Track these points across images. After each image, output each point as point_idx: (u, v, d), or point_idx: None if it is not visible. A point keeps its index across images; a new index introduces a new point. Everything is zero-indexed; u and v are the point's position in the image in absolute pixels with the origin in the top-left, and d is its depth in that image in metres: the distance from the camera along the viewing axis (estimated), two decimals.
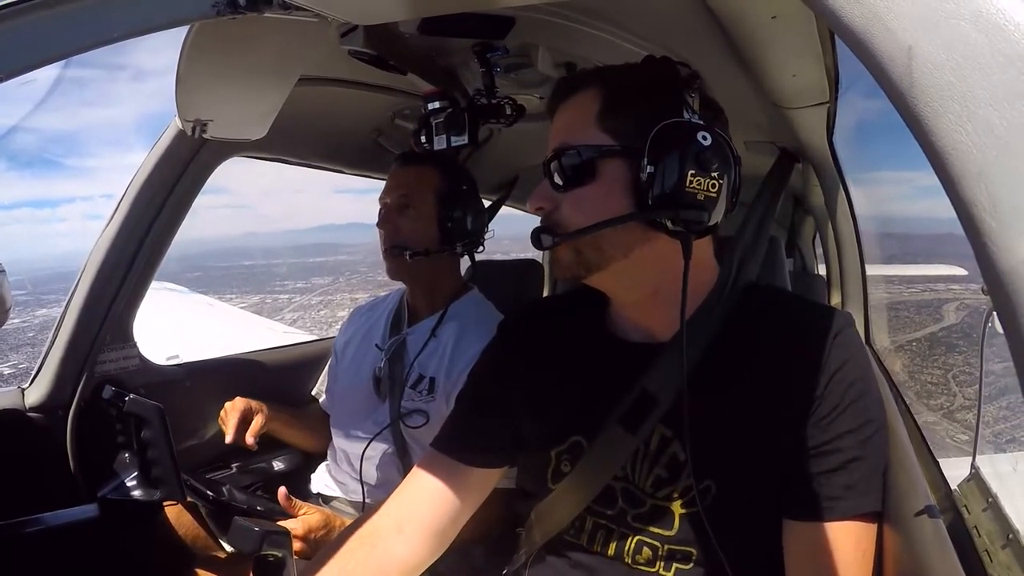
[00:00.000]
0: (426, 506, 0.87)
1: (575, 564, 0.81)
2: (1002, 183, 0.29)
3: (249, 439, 1.30)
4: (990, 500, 1.38)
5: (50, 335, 1.28)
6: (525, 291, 1.98)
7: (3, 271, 0.87)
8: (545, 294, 2.32)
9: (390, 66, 1.10)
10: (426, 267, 1.33)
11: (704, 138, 0.70)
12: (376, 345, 1.41)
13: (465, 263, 1.43)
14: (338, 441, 1.41)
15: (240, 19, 0.67)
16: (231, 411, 1.33)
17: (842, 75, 1.15)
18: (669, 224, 0.72)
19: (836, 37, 0.75)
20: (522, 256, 2.20)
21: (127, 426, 1.24)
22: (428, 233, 1.32)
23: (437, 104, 1.18)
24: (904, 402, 1.44)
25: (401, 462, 1.32)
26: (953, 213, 0.31)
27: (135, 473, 1.24)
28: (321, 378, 1.59)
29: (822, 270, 2.82)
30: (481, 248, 1.40)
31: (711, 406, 0.74)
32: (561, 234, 0.75)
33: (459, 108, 1.19)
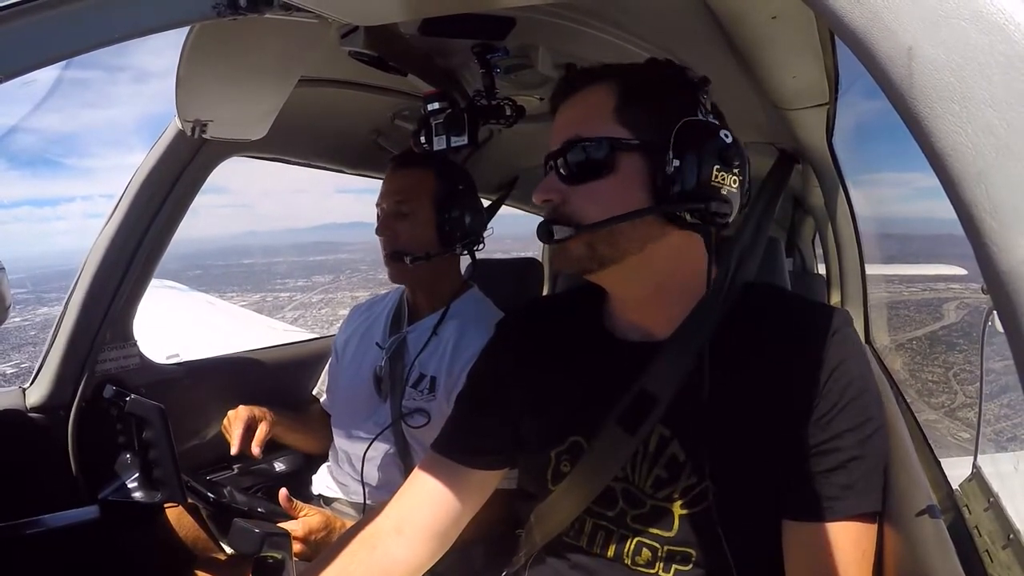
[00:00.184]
0: (426, 508, 0.87)
1: (574, 565, 0.81)
2: (1002, 184, 0.29)
3: (255, 449, 1.28)
4: (991, 500, 1.38)
5: (50, 334, 1.28)
6: (525, 289, 1.98)
7: (2, 268, 0.87)
8: (545, 292, 2.32)
9: (390, 67, 1.10)
10: (427, 269, 1.33)
11: (726, 136, 0.73)
12: (376, 343, 1.41)
13: (465, 261, 1.43)
14: (339, 442, 1.41)
15: (240, 20, 0.67)
16: (235, 420, 1.30)
17: (842, 76, 1.15)
18: (688, 217, 0.73)
19: (836, 37, 0.75)
20: (522, 255, 2.20)
21: (128, 426, 1.24)
22: (427, 237, 1.32)
23: (437, 105, 1.17)
24: (905, 401, 1.44)
25: (403, 463, 1.32)
26: (953, 214, 0.31)
27: (136, 474, 1.24)
28: (322, 377, 1.59)
29: (822, 270, 2.82)
30: (481, 246, 1.40)
31: (711, 405, 0.74)
32: (579, 226, 0.74)
33: (459, 109, 1.19)
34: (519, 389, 0.87)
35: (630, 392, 0.76)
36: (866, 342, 1.90)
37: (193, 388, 1.51)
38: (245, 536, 0.86)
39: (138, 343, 1.39)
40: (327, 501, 1.44)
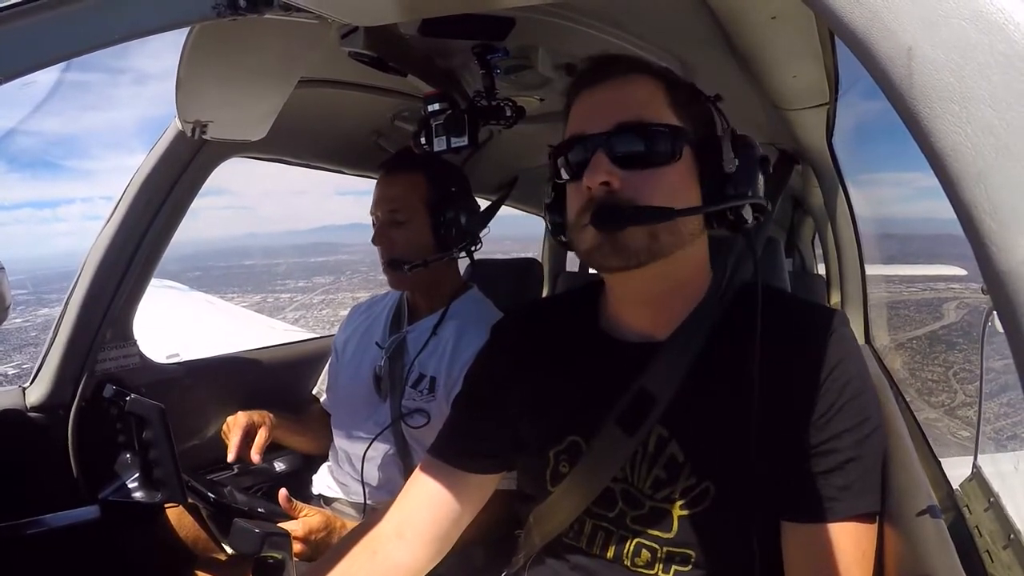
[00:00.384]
0: (426, 512, 0.87)
1: (574, 566, 0.81)
2: (1002, 184, 0.29)
3: (255, 457, 1.27)
4: (992, 500, 1.38)
5: (50, 334, 1.28)
6: (525, 290, 1.98)
7: (2, 268, 0.87)
8: (545, 293, 2.32)
9: (390, 68, 1.10)
10: (426, 274, 1.32)
11: (757, 146, 0.76)
12: (376, 343, 1.41)
13: (464, 261, 1.42)
14: (339, 442, 1.41)
15: (240, 20, 0.67)
16: (234, 427, 1.29)
17: (842, 76, 1.15)
18: (729, 216, 0.74)
19: (836, 38, 0.75)
20: (522, 255, 2.20)
21: (128, 426, 1.24)
22: (423, 243, 1.31)
23: (437, 106, 1.17)
24: (905, 401, 1.44)
25: (403, 463, 1.32)
26: (953, 214, 0.31)
27: (136, 474, 1.24)
28: (321, 377, 1.59)
29: (822, 270, 2.82)
30: (479, 245, 1.39)
31: (709, 406, 0.74)
32: (668, 212, 0.70)
33: (459, 110, 1.19)
34: (517, 391, 0.87)
35: (630, 392, 0.76)
36: (866, 342, 1.90)
37: (193, 388, 1.51)
38: (245, 536, 0.86)
39: (138, 343, 1.40)
40: (327, 501, 1.44)
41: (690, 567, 0.74)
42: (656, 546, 0.75)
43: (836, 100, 1.26)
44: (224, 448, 1.31)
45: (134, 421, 1.23)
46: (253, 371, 1.68)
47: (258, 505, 1.19)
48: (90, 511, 1.22)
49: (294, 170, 1.70)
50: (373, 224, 1.36)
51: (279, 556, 0.86)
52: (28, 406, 1.24)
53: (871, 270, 2.00)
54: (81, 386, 1.27)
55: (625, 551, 0.77)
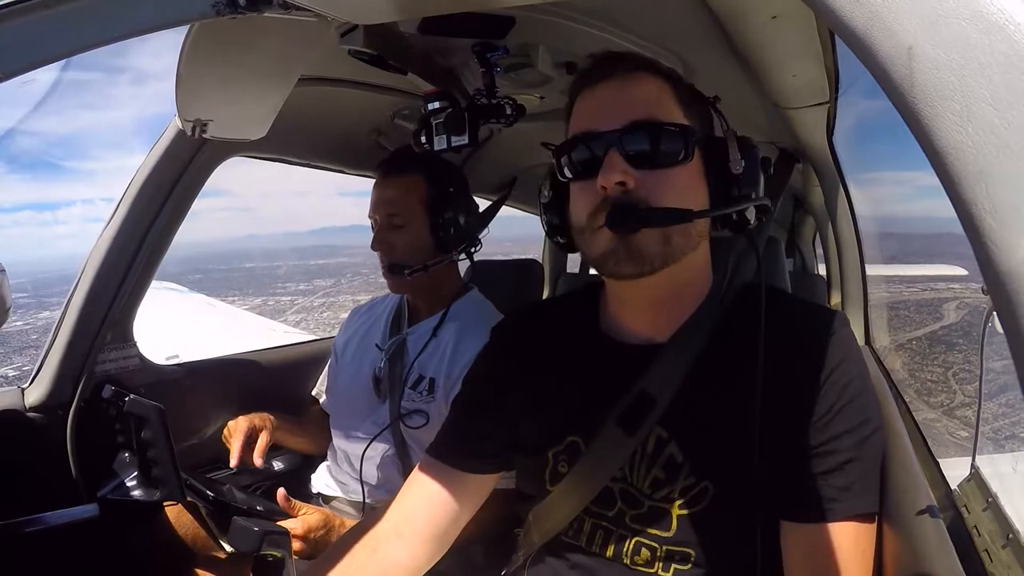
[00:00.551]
0: (424, 511, 0.87)
1: (574, 565, 0.81)
2: (1002, 183, 0.29)
3: (257, 460, 1.27)
4: (990, 500, 1.38)
5: (50, 335, 1.28)
6: (525, 291, 1.98)
7: (3, 271, 0.87)
8: (545, 294, 2.32)
9: (390, 66, 1.09)
10: (426, 277, 1.32)
11: (758, 147, 0.75)
12: (376, 345, 1.41)
13: (465, 263, 1.42)
14: (338, 441, 1.41)
15: (240, 19, 0.67)
16: (235, 432, 1.29)
17: (842, 75, 1.15)
18: (735, 218, 0.74)
19: (836, 37, 0.75)
20: (522, 256, 2.20)
21: (127, 426, 1.24)
22: (423, 246, 1.31)
23: (437, 104, 1.17)
24: (904, 402, 1.44)
25: (401, 462, 1.32)
26: (953, 213, 0.31)
27: (135, 473, 1.24)
28: (321, 378, 1.59)
29: (822, 270, 2.82)
30: (478, 246, 1.39)
31: (708, 407, 0.74)
32: (685, 213, 0.68)
33: (459, 108, 1.18)
34: (517, 392, 0.87)
35: (630, 393, 0.76)
36: (866, 343, 1.90)
37: (193, 389, 1.50)
38: (244, 534, 0.86)
39: (138, 344, 1.40)
40: (326, 499, 1.44)
41: (690, 566, 0.75)
42: (655, 545, 0.75)
43: (837, 99, 1.26)
44: (223, 447, 1.31)
45: (133, 421, 1.23)
46: (252, 373, 1.68)
47: (257, 503, 1.19)
48: (89, 509, 1.22)
49: (294, 171, 1.70)
50: (372, 227, 1.35)
51: (278, 554, 0.86)
52: (27, 406, 1.24)
53: (871, 270, 2.00)
54: (80, 387, 1.27)
55: (624, 550, 0.77)
